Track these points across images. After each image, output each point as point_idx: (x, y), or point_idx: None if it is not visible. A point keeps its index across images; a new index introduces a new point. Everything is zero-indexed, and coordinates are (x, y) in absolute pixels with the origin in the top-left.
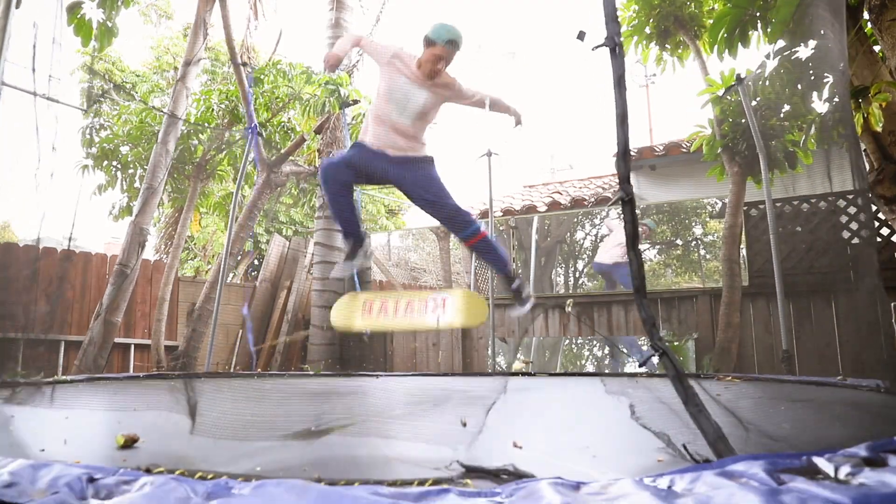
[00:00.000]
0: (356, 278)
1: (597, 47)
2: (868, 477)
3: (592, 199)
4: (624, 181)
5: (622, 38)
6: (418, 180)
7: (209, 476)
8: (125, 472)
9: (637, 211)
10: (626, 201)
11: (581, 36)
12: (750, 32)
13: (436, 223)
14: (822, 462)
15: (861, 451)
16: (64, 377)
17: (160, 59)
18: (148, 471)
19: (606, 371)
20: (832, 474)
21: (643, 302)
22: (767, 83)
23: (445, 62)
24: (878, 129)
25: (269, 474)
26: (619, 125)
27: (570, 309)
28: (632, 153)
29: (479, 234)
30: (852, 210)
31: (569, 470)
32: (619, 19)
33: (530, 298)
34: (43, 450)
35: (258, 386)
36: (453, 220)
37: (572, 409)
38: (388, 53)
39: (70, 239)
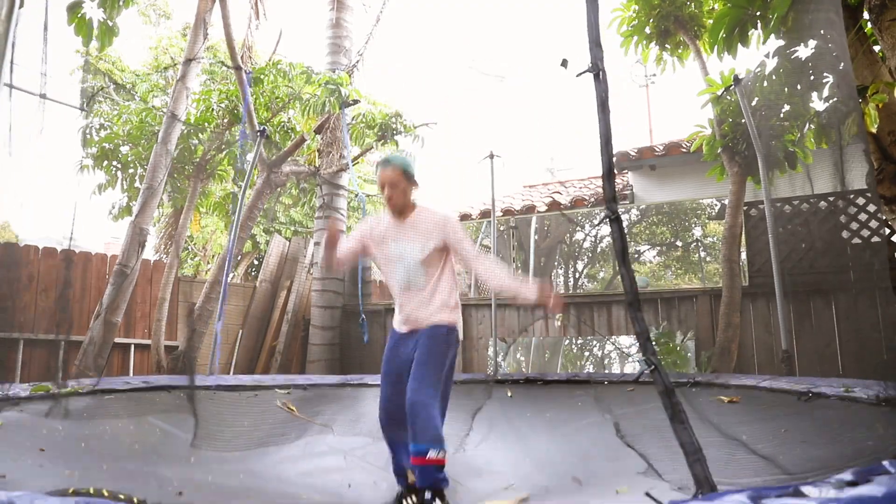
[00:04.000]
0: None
1: (580, 74)
2: (849, 493)
3: (592, 199)
4: (610, 200)
5: (622, 38)
6: (425, 343)
7: None
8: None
9: (637, 213)
10: (613, 219)
11: (564, 63)
12: (750, 32)
13: None
14: (808, 489)
15: (847, 476)
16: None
17: (158, 59)
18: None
19: (600, 375)
20: (817, 495)
21: (637, 315)
22: (766, 83)
23: (385, 182)
24: (874, 129)
25: (261, 483)
26: (603, 147)
27: (558, 323)
28: (632, 154)
29: (426, 459)
30: (852, 210)
31: (556, 498)
32: (620, 20)
33: None
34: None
35: (256, 395)
36: (410, 408)
37: (559, 426)
38: (367, 234)
39: (70, 239)
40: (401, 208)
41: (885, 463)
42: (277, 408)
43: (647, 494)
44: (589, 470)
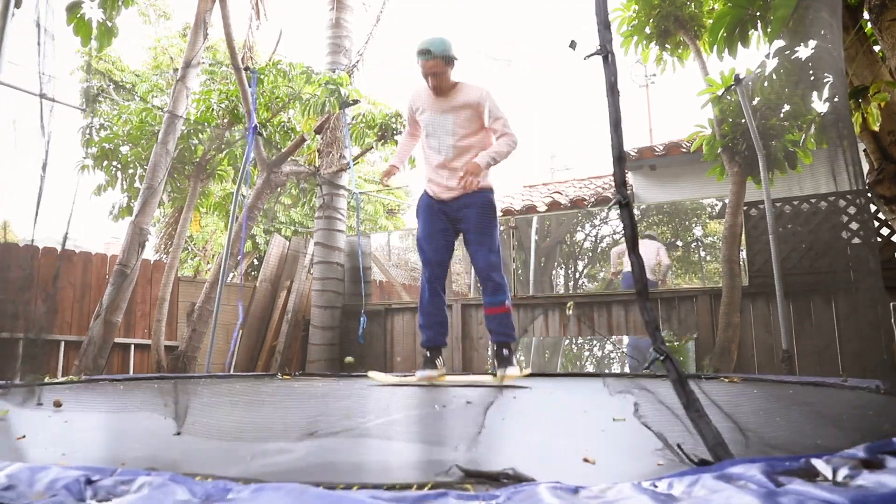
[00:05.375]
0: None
1: (589, 56)
2: (866, 479)
3: (592, 199)
4: (620, 185)
5: (622, 38)
6: (473, 215)
7: (208, 479)
8: (123, 472)
9: (637, 213)
10: (623, 205)
11: (573, 45)
12: (750, 32)
13: None
14: (820, 464)
15: (859, 452)
16: (63, 378)
17: (157, 58)
18: (147, 472)
19: (606, 372)
20: (830, 476)
21: (646, 305)
22: (767, 83)
23: (428, 72)
24: (876, 128)
25: (266, 478)
26: (612, 131)
27: (570, 311)
28: (632, 154)
29: (504, 307)
30: (852, 210)
31: (568, 475)
32: (620, 19)
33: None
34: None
35: (255, 388)
36: (489, 268)
37: (571, 411)
38: (413, 108)
39: (66, 238)
40: (445, 90)
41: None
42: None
43: (678, 446)
44: (602, 451)
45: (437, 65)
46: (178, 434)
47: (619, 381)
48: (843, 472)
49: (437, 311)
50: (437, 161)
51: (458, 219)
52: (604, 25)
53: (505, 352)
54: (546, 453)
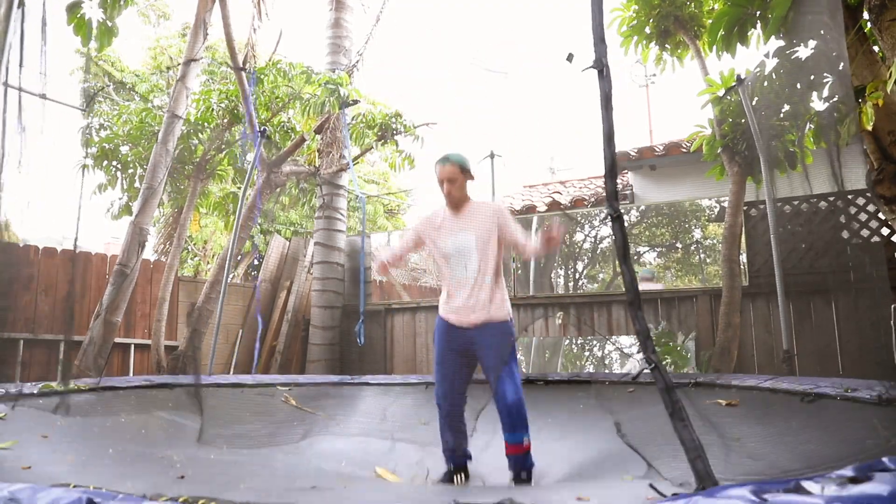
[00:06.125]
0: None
1: (585, 69)
2: (850, 490)
3: (592, 199)
4: (612, 198)
5: (622, 38)
6: (491, 343)
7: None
8: (125, 498)
9: (636, 214)
10: (615, 217)
11: (570, 58)
12: (749, 32)
13: None
14: (809, 484)
15: (848, 471)
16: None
17: (156, 59)
18: (151, 498)
19: (601, 374)
20: (819, 492)
21: (638, 314)
22: (766, 83)
23: (444, 177)
24: (869, 127)
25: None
26: (605, 144)
27: (559, 321)
28: (632, 154)
29: (523, 446)
30: (852, 210)
31: (560, 499)
32: (620, 20)
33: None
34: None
35: (258, 396)
36: (510, 400)
37: (562, 427)
38: (425, 229)
39: (76, 240)
40: (459, 202)
41: (886, 459)
42: (282, 403)
43: (651, 486)
44: (590, 471)
45: (454, 170)
46: (182, 478)
47: (616, 389)
48: (830, 489)
49: (461, 423)
50: (460, 289)
51: (476, 345)
52: (599, 40)
53: (523, 475)
54: (542, 481)
